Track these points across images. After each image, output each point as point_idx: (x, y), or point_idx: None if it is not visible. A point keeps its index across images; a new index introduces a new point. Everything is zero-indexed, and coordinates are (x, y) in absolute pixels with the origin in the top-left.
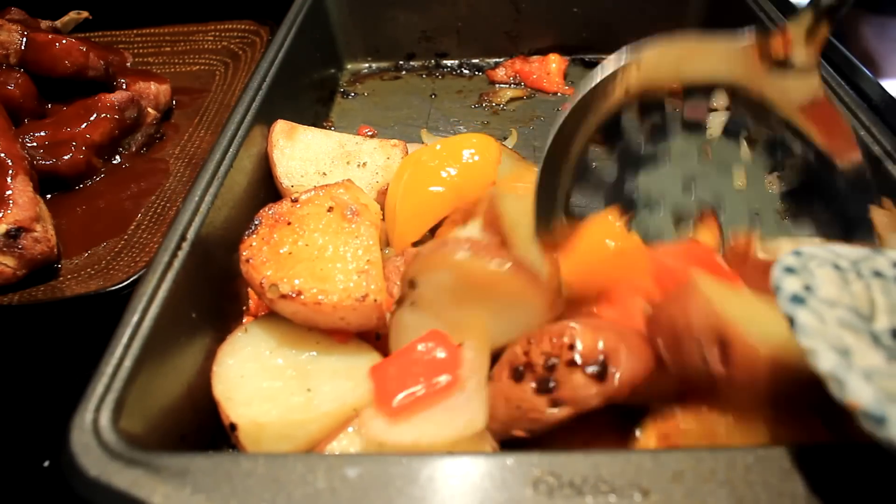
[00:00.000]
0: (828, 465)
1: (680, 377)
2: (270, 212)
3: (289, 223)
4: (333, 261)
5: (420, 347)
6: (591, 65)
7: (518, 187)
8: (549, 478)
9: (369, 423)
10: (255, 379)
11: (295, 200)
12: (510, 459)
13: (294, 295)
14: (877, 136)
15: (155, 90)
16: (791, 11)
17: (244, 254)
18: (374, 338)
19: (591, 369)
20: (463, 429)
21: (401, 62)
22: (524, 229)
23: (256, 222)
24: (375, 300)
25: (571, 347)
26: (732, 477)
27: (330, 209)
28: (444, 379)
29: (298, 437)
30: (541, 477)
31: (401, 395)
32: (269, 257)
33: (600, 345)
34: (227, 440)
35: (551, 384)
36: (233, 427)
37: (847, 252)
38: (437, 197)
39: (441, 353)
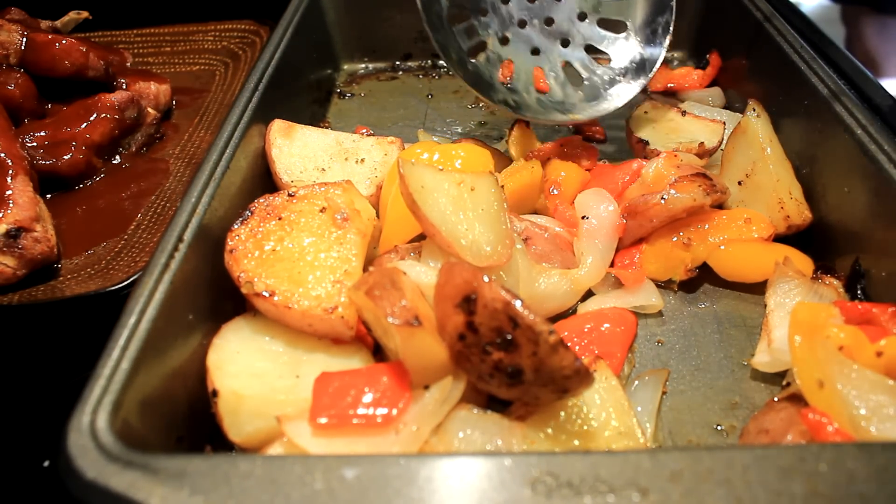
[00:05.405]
0: (826, 465)
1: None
2: (265, 203)
3: (279, 218)
4: (312, 266)
5: (375, 373)
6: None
7: (420, 153)
8: (548, 478)
9: (296, 425)
10: (250, 356)
11: (291, 195)
12: (508, 460)
13: (267, 294)
14: (875, 136)
15: (155, 90)
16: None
17: (229, 243)
18: (374, 342)
19: None
20: None
21: (397, 62)
22: (431, 196)
23: (248, 213)
24: (343, 316)
25: None
26: (731, 476)
27: (322, 209)
28: (381, 413)
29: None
30: (539, 477)
31: (328, 414)
32: (251, 251)
33: None
34: (225, 442)
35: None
36: (214, 393)
37: None
38: None
39: (394, 387)
